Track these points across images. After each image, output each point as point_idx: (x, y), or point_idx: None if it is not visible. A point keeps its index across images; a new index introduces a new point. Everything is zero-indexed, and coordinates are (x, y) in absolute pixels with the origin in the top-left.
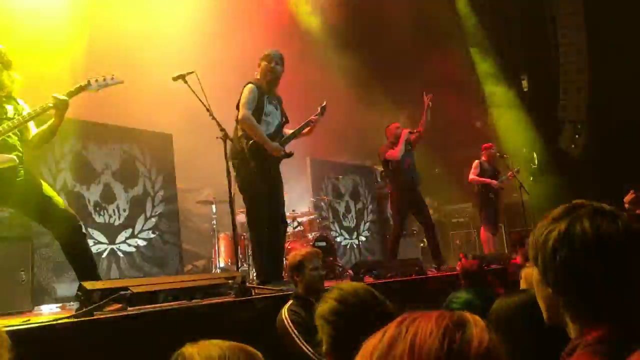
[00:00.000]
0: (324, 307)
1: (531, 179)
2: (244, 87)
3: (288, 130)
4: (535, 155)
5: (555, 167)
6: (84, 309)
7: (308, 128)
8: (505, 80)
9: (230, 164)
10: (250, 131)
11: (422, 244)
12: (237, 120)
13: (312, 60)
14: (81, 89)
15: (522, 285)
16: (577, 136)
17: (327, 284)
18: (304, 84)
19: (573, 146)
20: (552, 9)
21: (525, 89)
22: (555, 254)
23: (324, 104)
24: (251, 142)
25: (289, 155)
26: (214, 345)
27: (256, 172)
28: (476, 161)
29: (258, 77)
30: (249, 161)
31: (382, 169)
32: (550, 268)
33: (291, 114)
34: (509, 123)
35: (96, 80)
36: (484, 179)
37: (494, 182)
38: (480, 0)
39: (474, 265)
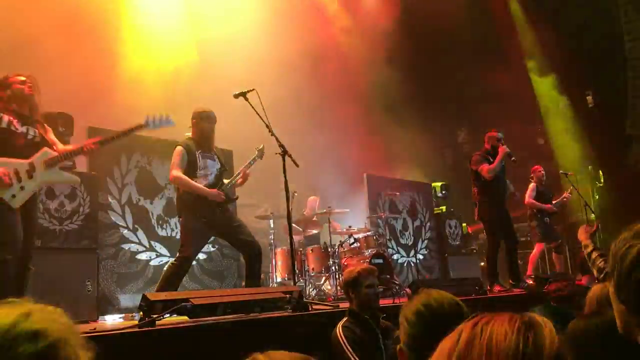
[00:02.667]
0: (408, 306)
1: (597, 197)
2: (174, 149)
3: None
4: (601, 172)
5: (622, 184)
6: (147, 319)
7: (239, 179)
8: (569, 96)
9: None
10: (185, 187)
11: (482, 263)
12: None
13: (367, 79)
14: (140, 127)
15: (587, 307)
16: None
17: (383, 302)
18: (359, 101)
19: None
20: (620, 21)
21: (591, 105)
22: (631, 272)
23: (262, 146)
24: (189, 195)
25: (233, 200)
26: (285, 355)
27: (205, 220)
28: (532, 184)
29: (191, 135)
30: (195, 211)
31: (471, 177)
32: (625, 285)
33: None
34: (572, 140)
35: (153, 119)
36: (540, 205)
37: (549, 206)
38: (543, 16)
39: (566, 287)
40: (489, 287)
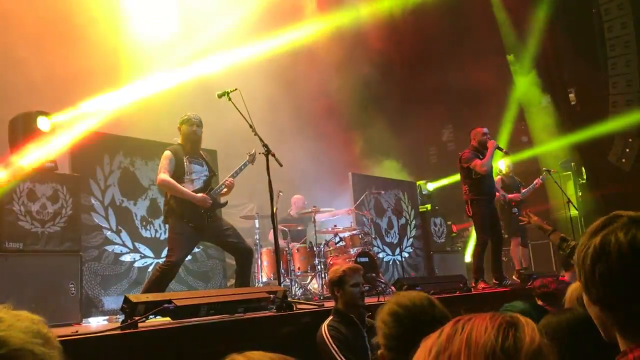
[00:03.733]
0: (383, 308)
1: (579, 194)
2: (162, 154)
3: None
4: (583, 169)
5: (605, 181)
6: (129, 321)
7: (224, 189)
8: (552, 94)
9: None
10: (172, 191)
11: (467, 260)
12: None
13: (351, 78)
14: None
15: (567, 303)
16: (627, 150)
17: (368, 300)
18: (343, 99)
19: (623, 160)
20: (601, 21)
21: (573, 102)
22: (594, 269)
23: (253, 151)
24: (177, 200)
25: (221, 205)
26: (262, 356)
27: (192, 225)
28: (497, 177)
29: (179, 141)
30: (182, 217)
31: (462, 174)
32: (592, 285)
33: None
34: (555, 137)
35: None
36: (503, 193)
37: (514, 195)
38: (524, 13)
39: (551, 283)
40: (473, 284)
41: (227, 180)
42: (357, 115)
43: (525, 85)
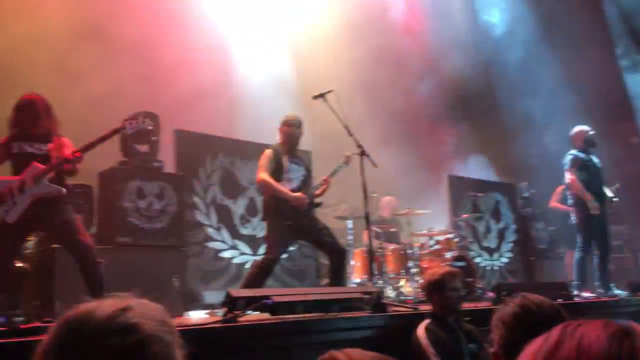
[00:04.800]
0: (504, 309)
1: None
2: (263, 152)
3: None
4: None
5: None
6: (230, 315)
7: (320, 189)
8: None
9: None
10: (271, 190)
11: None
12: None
13: (450, 77)
14: (117, 131)
15: None
16: None
17: (465, 305)
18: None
19: None
20: None
21: None
22: None
23: (349, 154)
24: (275, 199)
25: (317, 205)
26: (362, 354)
27: (290, 224)
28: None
29: (280, 141)
30: (280, 215)
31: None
32: None
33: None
34: None
35: (130, 123)
36: (564, 207)
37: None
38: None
39: None
40: (577, 292)
41: (323, 180)
42: (453, 115)
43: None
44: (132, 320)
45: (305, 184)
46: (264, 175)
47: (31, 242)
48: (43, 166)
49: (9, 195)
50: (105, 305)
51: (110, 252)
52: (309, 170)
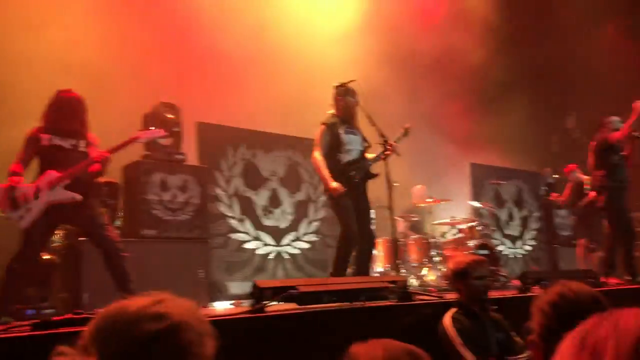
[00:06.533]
0: (543, 297)
1: None
2: (319, 129)
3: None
4: None
5: None
6: (258, 305)
7: (387, 152)
8: None
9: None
10: (317, 170)
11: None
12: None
13: (468, 65)
14: (133, 140)
15: None
16: None
17: (490, 294)
18: (461, 87)
19: None
20: None
21: None
22: None
23: (408, 125)
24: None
25: (374, 176)
26: (381, 346)
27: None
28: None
29: (334, 112)
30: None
31: (594, 163)
32: None
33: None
34: None
35: (145, 134)
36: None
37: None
38: None
39: None
40: (604, 280)
41: (389, 146)
42: (477, 104)
43: None
44: (164, 309)
45: (363, 155)
46: (316, 155)
47: (59, 235)
48: (58, 174)
49: (23, 201)
50: (140, 299)
51: (135, 244)
52: (366, 140)
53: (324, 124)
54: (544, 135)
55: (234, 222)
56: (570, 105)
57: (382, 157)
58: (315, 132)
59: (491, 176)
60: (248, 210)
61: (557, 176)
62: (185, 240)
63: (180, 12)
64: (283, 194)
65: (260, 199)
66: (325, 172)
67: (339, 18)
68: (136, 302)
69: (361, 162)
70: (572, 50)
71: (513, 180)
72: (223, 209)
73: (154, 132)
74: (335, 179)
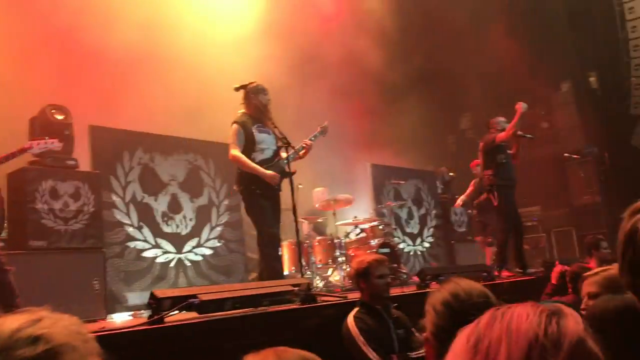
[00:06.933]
0: (436, 295)
1: (602, 179)
2: (231, 127)
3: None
4: (606, 154)
5: (627, 165)
6: (156, 316)
7: (302, 151)
8: (573, 78)
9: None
10: (243, 167)
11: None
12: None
13: (366, 67)
14: (23, 150)
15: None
16: None
17: (391, 291)
18: (363, 87)
19: None
20: (620, 2)
21: (594, 86)
22: (624, 255)
23: (325, 123)
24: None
25: (291, 173)
26: (273, 354)
27: (260, 194)
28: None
29: (245, 110)
30: (251, 186)
31: (482, 162)
32: (623, 270)
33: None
34: (577, 122)
35: (38, 144)
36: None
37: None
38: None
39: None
40: (497, 273)
41: (305, 142)
42: (375, 105)
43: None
44: (41, 331)
45: (277, 154)
46: (234, 152)
47: None
48: None
49: None
50: (14, 318)
51: (23, 257)
52: (281, 138)
53: (235, 122)
54: (441, 136)
55: (131, 230)
56: (465, 106)
57: (301, 153)
58: (217, 134)
59: (391, 176)
60: (146, 217)
61: (452, 174)
62: (79, 251)
63: (65, 7)
64: (184, 199)
65: (160, 205)
66: (253, 165)
67: (239, 22)
68: (9, 322)
69: (275, 161)
70: (463, 53)
71: (412, 180)
72: (119, 216)
73: (48, 142)
74: (251, 180)
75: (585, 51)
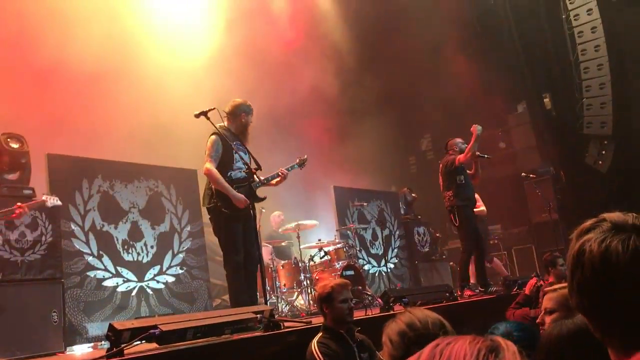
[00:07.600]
0: (392, 326)
1: (559, 197)
2: (208, 138)
3: (260, 177)
4: (562, 173)
5: (582, 183)
6: (115, 349)
7: (277, 179)
8: (528, 99)
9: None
10: (215, 184)
11: (451, 267)
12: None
13: (327, 91)
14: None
15: (543, 306)
16: (603, 152)
17: (355, 314)
18: (323, 110)
19: (600, 162)
20: (571, 26)
21: (549, 107)
22: (573, 277)
23: (305, 157)
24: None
25: (261, 199)
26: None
27: (229, 214)
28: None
29: (226, 124)
30: (220, 206)
31: (445, 181)
32: (572, 291)
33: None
34: (533, 142)
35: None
36: None
37: None
38: (495, 22)
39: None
40: (459, 293)
41: (280, 172)
42: (336, 128)
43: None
44: None
45: (250, 176)
46: (209, 166)
47: None
48: None
49: None
50: None
51: None
52: (255, 161)
53: (215, 133)
54: (402, 157)
55: (91, 259)
56: (424, 128)
57: (275, 181)
58: (178, 160)
59: (354, 198)
60: (107, 245)
61: (415, 195)
62: (36, 282)
63: (11, 29)
64: (145, 226)
65: (120, 233)
66: (225, 184)
67: (199, 48)
68: None
69: (247, 183)
70: (421, 75)
71: (374, 201)
72: (79, 245)
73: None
74: (221, 198)
75: (539, 73)
